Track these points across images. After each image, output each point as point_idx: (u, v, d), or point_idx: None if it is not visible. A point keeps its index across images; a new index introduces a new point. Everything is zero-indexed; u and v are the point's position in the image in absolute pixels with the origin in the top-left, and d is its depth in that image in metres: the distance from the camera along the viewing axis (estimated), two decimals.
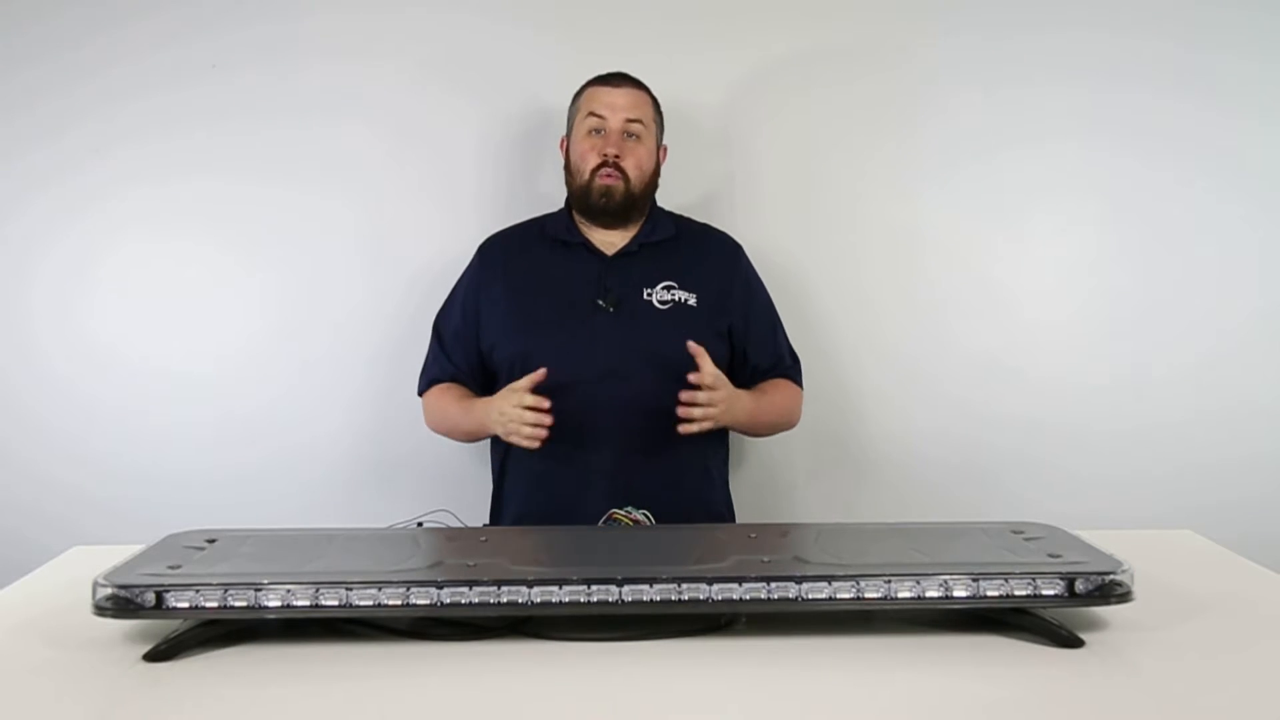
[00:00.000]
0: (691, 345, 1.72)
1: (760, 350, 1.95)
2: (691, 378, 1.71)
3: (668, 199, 2.00)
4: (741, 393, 1.82)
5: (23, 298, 2.21)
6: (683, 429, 1.73)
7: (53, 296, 2.21)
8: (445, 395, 1.92)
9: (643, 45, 2.17)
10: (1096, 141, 2.22)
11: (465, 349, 1.93)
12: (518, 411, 1.71)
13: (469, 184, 2.22)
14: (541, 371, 1.72)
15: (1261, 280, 2.24)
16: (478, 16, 2.19)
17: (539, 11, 2.19)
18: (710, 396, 1.72)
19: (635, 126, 1.89)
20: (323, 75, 2.19)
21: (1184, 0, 2.21)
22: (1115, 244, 2.26)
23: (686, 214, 2.03)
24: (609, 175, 1.87)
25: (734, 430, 1.93)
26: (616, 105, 1.89)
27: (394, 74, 2.19)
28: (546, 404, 1.70)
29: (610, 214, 1.89)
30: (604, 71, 1.94)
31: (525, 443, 1.71)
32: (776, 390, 1.94)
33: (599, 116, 1.88)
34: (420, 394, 1.98)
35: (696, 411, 1.72)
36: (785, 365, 1.99)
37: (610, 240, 1.92)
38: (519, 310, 1.89)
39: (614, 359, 1.82)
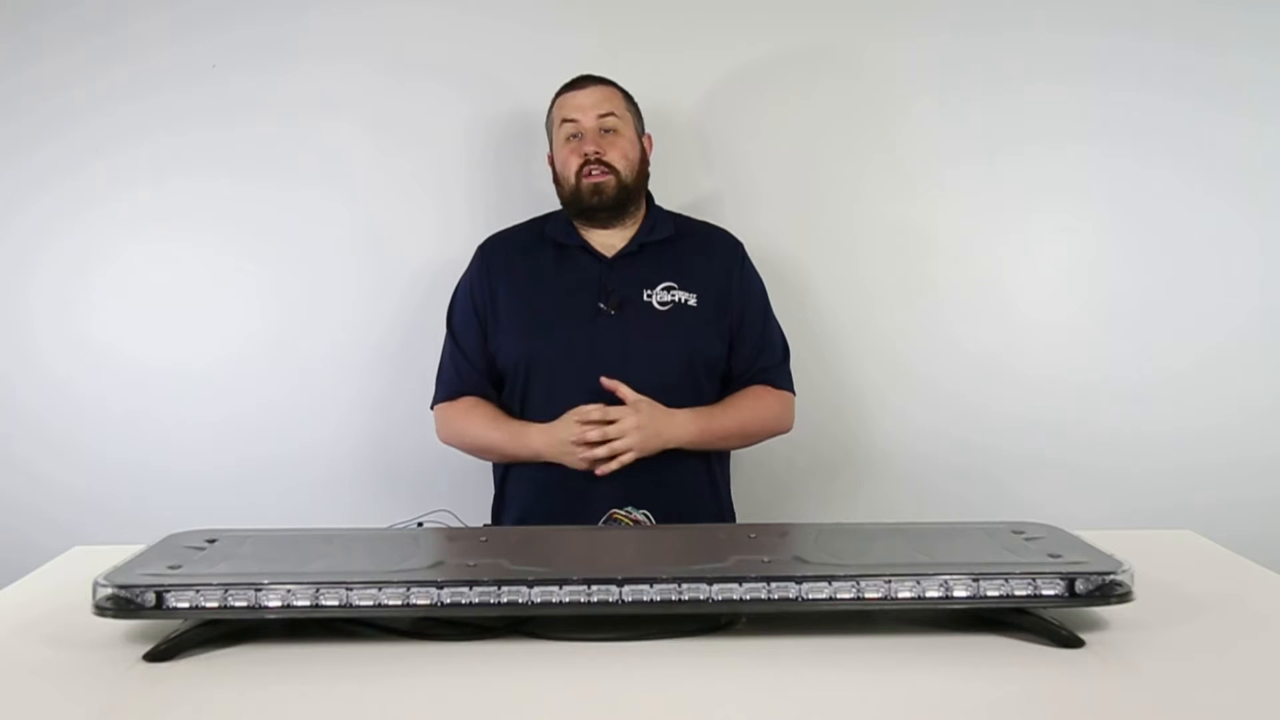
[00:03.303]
0: (605, 381, 1.75)
1: (743, 360, 1.91)
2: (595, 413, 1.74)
3: (667, 199, 2.00)
4: (679, 413, 1.79)
5: (23, 298, 2.21)
6: (599, 470, 1.74)
7: (53, 296, 2.21)
8: (474, 413, 1.88)
9: (641, 43, 2.17)
10: (1096, 141, 2.22)
11: (479, 352, 1.91)
12: (579, 433, 1.73)
13: (468, 183, 2.22)
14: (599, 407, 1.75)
15: (1261, 280, 2.24)
16: (476, 16, 2.19)
17: (539, 11, 2.19)
18: (605, 431, 1.72)
19: (610, 120, 1.88)
20: (323, 75, 2.19)
21: (1184, 0, 2.21)
22: (1115, 244, 2.26)
23: (685, 213, 2.03)
24: (595, 174, 1.86)
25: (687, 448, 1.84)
26: (585, 105, 1.88)
27: (393, 73, 2.19)
28: (597, 415, 1.73)
29: (606, 210, 1.88)
30: (595, 72, 1.93)
31: (599, 469, 1.74)
32: (746, 399, 1.89)
33: (572, 120, 1.88)
34: (436, 402, 1.94)
35: (600, 450, 1.73)
36: (762, 370, 1.92)
37: (610, 242, 1.91)
38: (521, 314, 1.88)
39: (615, 361, 1.81)
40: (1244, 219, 2.24)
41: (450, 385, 1.92)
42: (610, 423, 1.73)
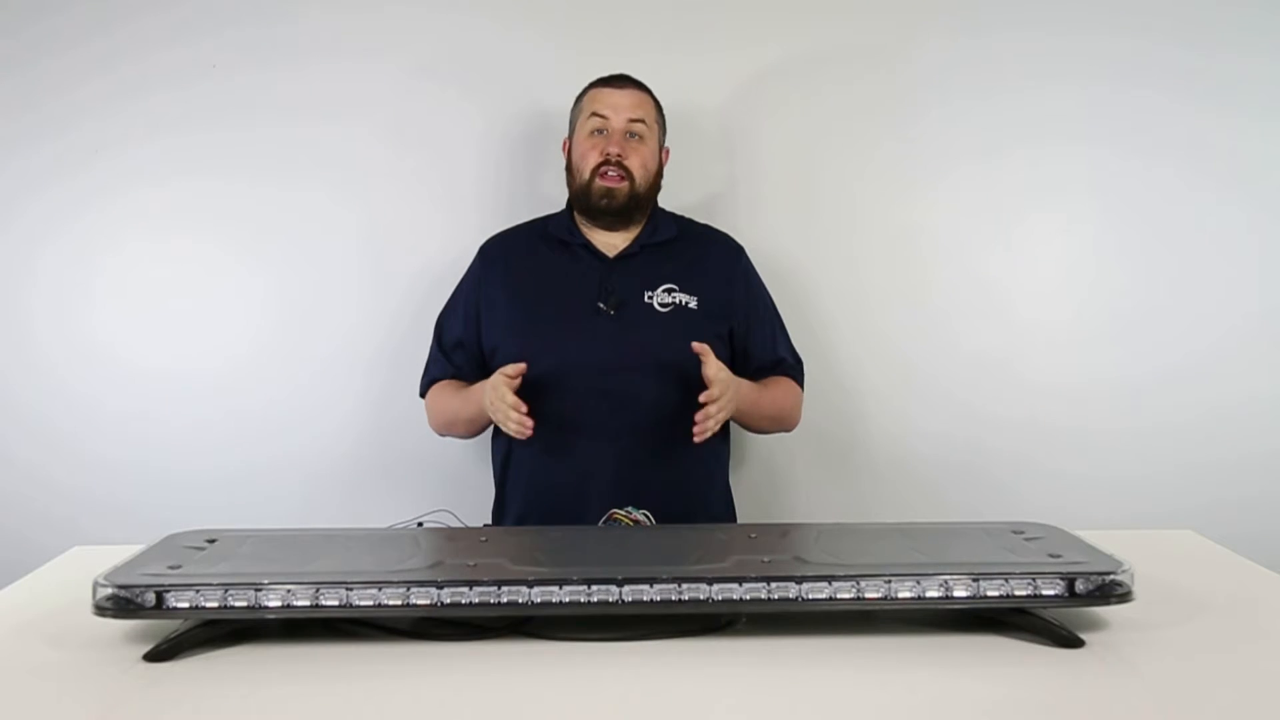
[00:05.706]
0: (696, 345, 1.71)
1: (763, 349, 1.94)
2: (704, 395, 1.69)
3: (670, 199, 2.00)
4: (743, 381, 1.82)
5: (23, 298, 2.21)
6: (698, 438, 1.71)
7: (53, 296, 2.21)
8: (444, 391, 1.93)
9: (645, 45, 2.17)
10: (1096, 141, 2.22)
11: (467, 352, 1.93)
12: (503, 406, 1.71)
13: (470, 184, 2.22)
14: (521, 365, 1.72)
15: (1261, 280, 2.24)
16: (479, 17, 2.19)
17: (541, 12, 2.19)
18: (720, 401, 1.70)
19: (638, 126, 1.88)
20: (323, 75, 2.19)
21: (1185, 0, 2.21)
22: (1115, 244, 2.26)
23: (688, 214, 2.03)
24: (611, 177, 1.86)
25: (734, 421, 1.87)
26: (619, 105, 1.88)
27: (395, 74, 2.19)
28: (524, 408, 1.70)
29: (612, 214, 1.88)
30: (606, 74, 1.93)
31: (516, 434, 1.72)
32: (778, 386, 1.93)
33: (602, 117, 1.87)
34: (422, 395, 1.97)
35: (710, 423, 1.70)
36: (787, 364, 1.98)
37: (612, 242, 1.91)
38: (520, 313, 1.88)
39: (614, 361, 1.82)
40: (1244, 219, 2.23)
41: (430, 375, 1.97)
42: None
